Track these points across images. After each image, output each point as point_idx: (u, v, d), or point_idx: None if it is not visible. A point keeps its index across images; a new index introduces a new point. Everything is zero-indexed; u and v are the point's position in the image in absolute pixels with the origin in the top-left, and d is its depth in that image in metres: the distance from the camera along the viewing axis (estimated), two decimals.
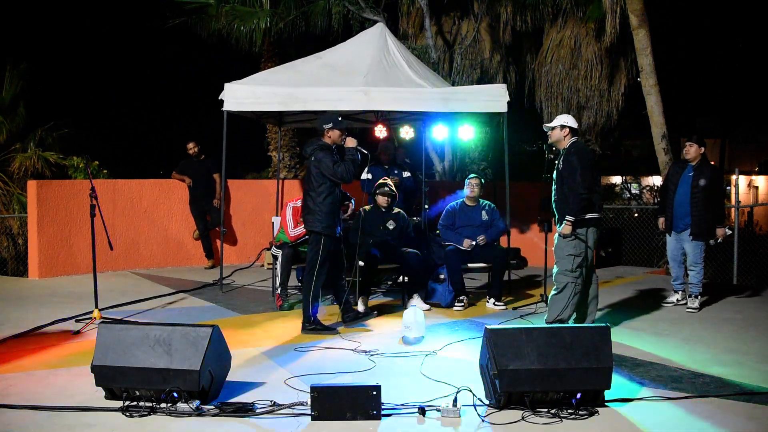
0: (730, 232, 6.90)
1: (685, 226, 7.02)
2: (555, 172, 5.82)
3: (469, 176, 7.43)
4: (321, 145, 5.92)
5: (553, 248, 5.81)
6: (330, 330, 5.95)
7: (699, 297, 7.03)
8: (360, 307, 6.66)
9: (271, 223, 8.06)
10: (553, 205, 5.83)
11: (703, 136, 7.21)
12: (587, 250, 5.65)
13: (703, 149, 7.04)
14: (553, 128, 5.84)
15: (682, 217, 7.03)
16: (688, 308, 7.00)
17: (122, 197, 9.60)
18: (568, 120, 5.84)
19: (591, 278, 5.87)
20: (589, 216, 5.63)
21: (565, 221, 5.58)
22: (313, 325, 5.92)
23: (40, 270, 8.86)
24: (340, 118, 6.02)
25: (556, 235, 5.76)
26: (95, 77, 25.51)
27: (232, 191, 10.40)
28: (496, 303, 7.03)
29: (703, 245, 6.98)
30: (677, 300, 7.24)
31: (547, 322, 5.69)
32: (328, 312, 6.83)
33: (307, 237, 7.20)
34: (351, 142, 5.95)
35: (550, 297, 5.79)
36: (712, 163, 7.85)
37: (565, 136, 5.79)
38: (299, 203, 7.27)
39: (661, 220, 7.26)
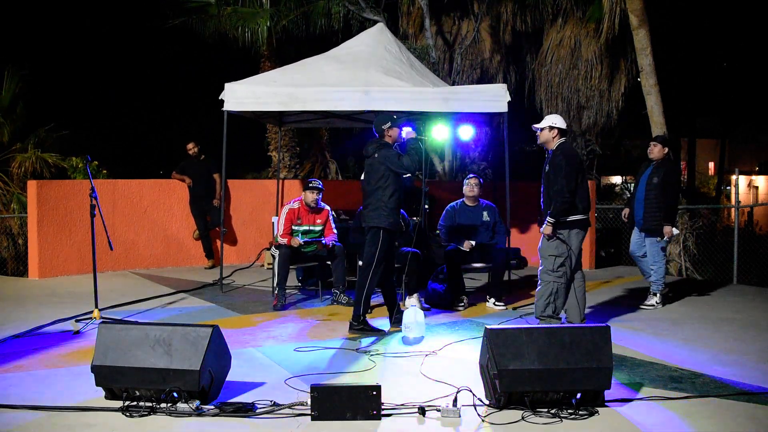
0: (677, 232, 6.88)
1: (639, 221, 7.10)
2: (543, 173, 5.83)
3: (468, 176, 7.44)
4: (383, 144, 5.93)
5: (538, 247, 5.83)
6: (378, 330, 5.91)
7: (657, 295, 6.99)
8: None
9: (271, 223, 8.06)
10: (541, 206, 5.85)
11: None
12: (570, 252, 5.64)
13: (666, 149, 7.12)
14: (541, 129, 5.81)
15: (637, 213, 7.11)
16: (642, 305, 7.00)
17: (122, 197, 9.60)
18: (556, 121, 5.80)
19: (575, 279, 5.80)
20: (571, 218, 5.62)
21: (546, 222, 5.62)
22: (361, 325, 5.87)
23: (40, 270, 8.85)
24: (395, 117, 6.02)
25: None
26: (95, 77, 25.46)
27: (232, 191, 10.40)
28: (496, 303, 7.03)
29: (660, 244, 6.97)
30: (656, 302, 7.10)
31: (535, 317, 5.83)
32: (328, 312, 6.83)
33: (306, 240, 7.23)
34: (411, 134, 5.98)
35: (536, 293, 5.86)
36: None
37: (553, 137, 5.77)
38: (296, 205, 7.26)
39: (626, 211, 7.34)
